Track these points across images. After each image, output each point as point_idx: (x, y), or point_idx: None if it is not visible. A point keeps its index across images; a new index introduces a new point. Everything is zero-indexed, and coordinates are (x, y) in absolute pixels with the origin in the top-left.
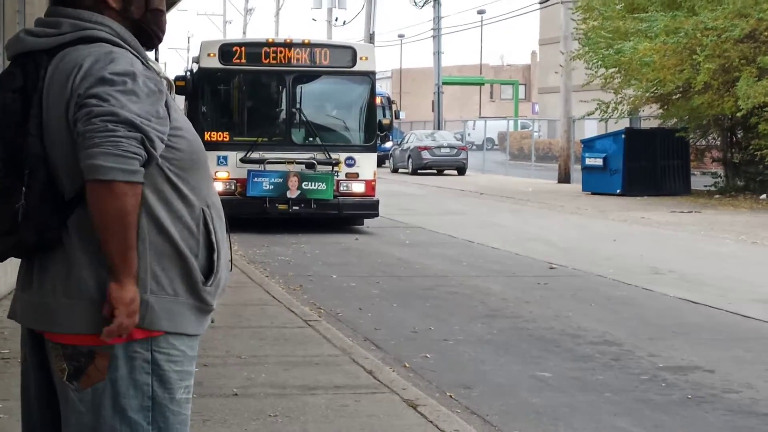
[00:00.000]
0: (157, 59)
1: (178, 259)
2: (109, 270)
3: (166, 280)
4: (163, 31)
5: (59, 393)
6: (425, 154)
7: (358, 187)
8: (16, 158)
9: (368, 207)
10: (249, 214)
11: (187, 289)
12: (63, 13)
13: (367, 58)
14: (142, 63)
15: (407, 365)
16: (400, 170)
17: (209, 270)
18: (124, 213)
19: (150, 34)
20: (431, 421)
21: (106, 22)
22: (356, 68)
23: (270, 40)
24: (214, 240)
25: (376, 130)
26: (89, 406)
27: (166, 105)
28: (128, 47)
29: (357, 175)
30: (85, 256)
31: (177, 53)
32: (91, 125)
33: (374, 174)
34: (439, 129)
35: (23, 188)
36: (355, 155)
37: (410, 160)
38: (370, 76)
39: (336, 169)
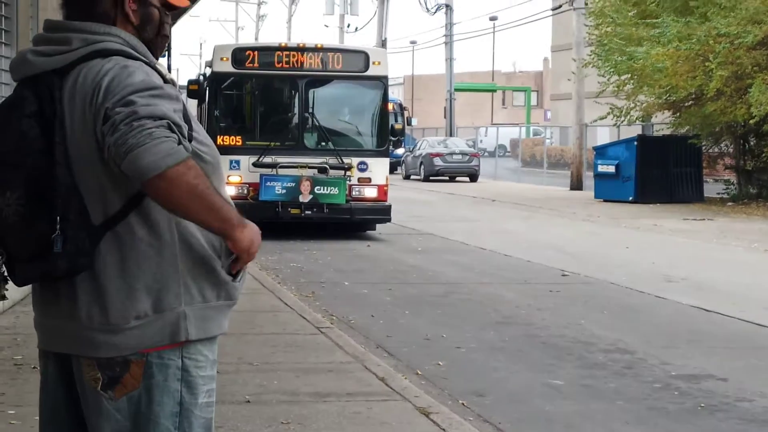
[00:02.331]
0: (169, 66)
1: (205, 266)
2: (217, 234)
3: (197, 288)
4: (163, 51)
5: (89, 403)
6: (437, 161)
7: (370, 192)
8: (39, 185)
9: (380, 212)
10: (261, 218)
11: (217, 293)
12: (70, 27)
13: (379, 63)
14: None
15: (419, 372)
16: (412, 177)
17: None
18: (192, 188)
19: (155, 53)
20: (444, 429)
21: (115, 32)
22: (369, 73)
23: (283, 45)
24: None
25: (388, 134)
26: (126, 414)
27: (186, 114)
28: (140, 56)
29: (369, 179)
30: (117, 281)
31: (189, 59)
32: (117, 132)
33: (386, 179)
34: (451, 136)
35: (57, 218)
36: (368, 160)
37: (422, 167)
38: (382, 81)
39: (348, 173)
